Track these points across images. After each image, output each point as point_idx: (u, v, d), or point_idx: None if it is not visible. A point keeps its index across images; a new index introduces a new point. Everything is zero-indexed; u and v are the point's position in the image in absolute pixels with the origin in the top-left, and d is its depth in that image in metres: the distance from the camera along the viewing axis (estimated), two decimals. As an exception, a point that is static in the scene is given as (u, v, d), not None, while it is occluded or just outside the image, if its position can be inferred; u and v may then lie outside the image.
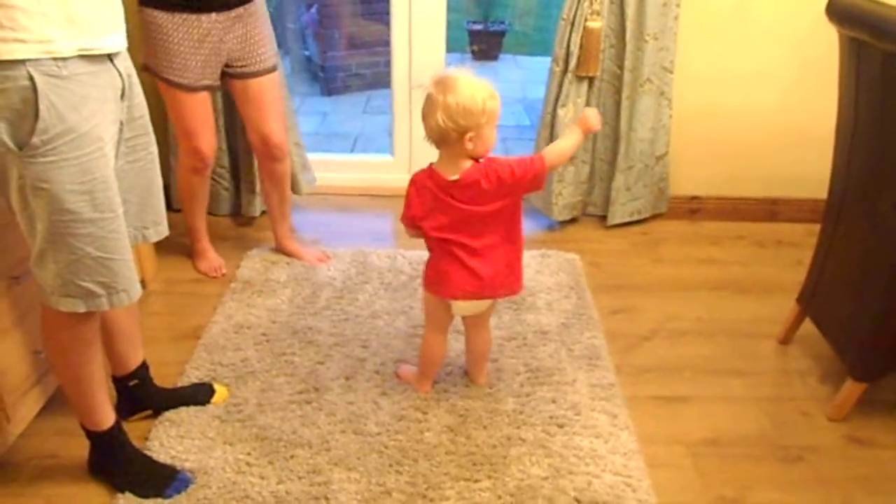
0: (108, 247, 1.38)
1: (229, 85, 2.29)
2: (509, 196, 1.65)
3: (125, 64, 1.43)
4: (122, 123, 1.43)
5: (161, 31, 2.08)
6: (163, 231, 1.64)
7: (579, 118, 1.73)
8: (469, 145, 1.58)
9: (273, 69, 2.29)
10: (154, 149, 1.56)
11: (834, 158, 1.94)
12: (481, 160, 1.64)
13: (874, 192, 1.75)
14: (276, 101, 2.33)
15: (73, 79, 1.27)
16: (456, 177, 1.63)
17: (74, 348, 1.50)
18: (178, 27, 2.07)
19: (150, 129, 1.55)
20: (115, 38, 1.36)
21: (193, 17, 2.07)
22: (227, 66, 2.21)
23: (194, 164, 2.31)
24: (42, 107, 1.23)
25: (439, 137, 1.60)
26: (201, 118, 2.23)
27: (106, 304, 1.42)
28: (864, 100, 1.75)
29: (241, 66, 2.22)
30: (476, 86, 1.57)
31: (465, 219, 1.67)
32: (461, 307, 1.79)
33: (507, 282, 1.76)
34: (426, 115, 1.59)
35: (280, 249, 2.61)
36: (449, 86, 1.56)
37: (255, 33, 2.21)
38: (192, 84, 2.16)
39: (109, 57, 1.36)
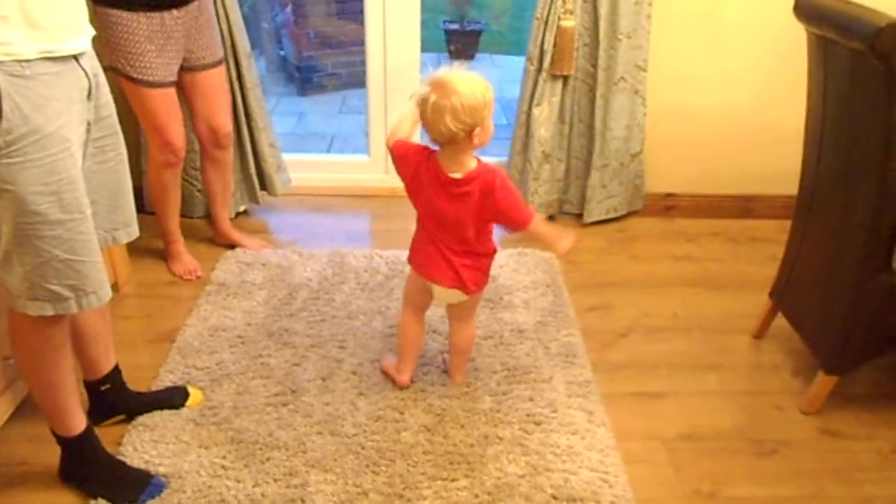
0: (76, 249, 1.35)
1: (179, 79, 2.27)
2: (488, 216, 1.69)
3: (91, 63, 1.41)
4: (89, 123, 1.41)
5: (124, 30, 2.07)
6: (133, 232, 1.62)
7: (559, 235, 1.75)
8: (476, 140, 1.61)
9: (221, 62, 2.35)
10: (123, 149, 1.54)
11: (804, 155, 1.96)
12: (488, 164, 1.68)
13: (843, 187, 1.78)
14: (225, 93, 2.42)
15: (37, 79, 1.25)
16: (459, 175, 1.65)
17: (44, 353, 1.47)
18: (141, 25, 2.07)
19: (119, 128, 1.53)
20: (78, 39, 1.34)
21: (156, 14, 2.09)
22: (188, 59, 2.25)
23: (167, 159, 2.30)
24: (5, 107, 1.21)
25: (449, 139, 1.61)
26: (170, 112, 2.24)
27: (75, 307, 1.40)
28: (831, 97, 1.78)
29: (194, 60, 2.26)
30: (473, 82, 1.58)
31: (450, 213, 1.69)
32: (440, 293, 1.81)
33: (480, 279, 1.81)
34: (433, 122, 1.58)
35: (222, 239, 2.63)
36: (449, 88, 1.56)
37: (206, 27, 2.26)
38: (160, 80, 2.16)
39: (75, 57, 1.34)
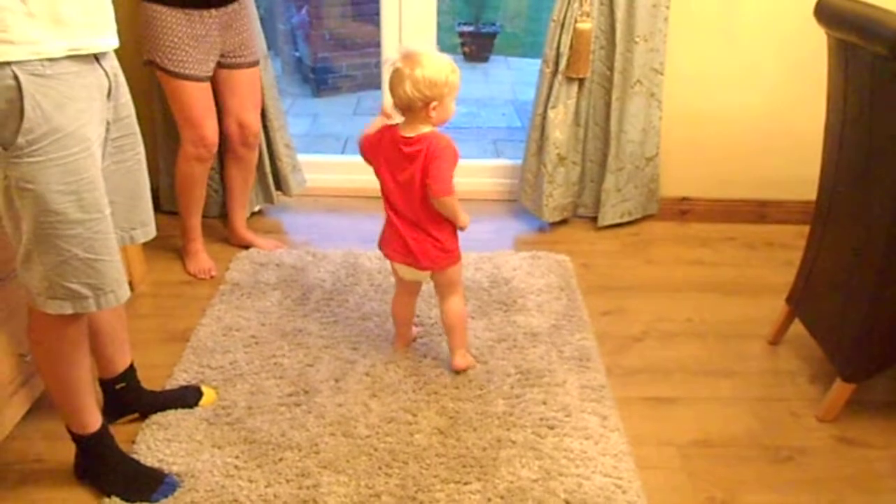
0: (96, 248, 1.36)
1: (214, 75, 2.31)
2: (422, 176, 1.76)
3: (111, 63, 1.42)
4: (108, 123, 1.42)
5: (165, 26, 2.14)
6: (150, 232, 1.63)
7: (462, 213, 1.83)
8: (433, 114, 1.72)
9: (257, 63, 2.41)
10: (141, 149, 1.55)
11: (822, 161, 1.94)
12: (438, 129, 1.78)
13: (862, 193, 1.76)
14: (257, 93, 2.46)
15: (58, 78, 1.26)
16: (411, 134, 1.76)
17: (61, 351, 1.48)
18: (182, 22, 2.15)
19: (137, 129, 1.53)
20: (104, 38, 1.35)
21: (195, 12, 2.16)
22: (226, 57, 2.31)
23: (199, 153, 2.33)
24: (27, 106, 1.22)
25: (406, 105, 1.73)
26: (206, 106, 2.29)
27: (93, 306, 1.40)
28: (852, 102, 1.76)
29: (232, 58, 2.32)
30: (440, 60, 1.71)
31: (404, 177, 1.77)
32: (402, 270, 1.91)
33: (436, 256, 1.85)
34: (394, 86, 1.71)
35: (236, 240, 2.65)
36: (416, 60, 1.69)
37: (246, 28, 2.32)
38: (197, 74, 2.22)
39: (96, 57, 1.35)
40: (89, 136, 1.32)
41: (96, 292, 1.39)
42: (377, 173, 1.85)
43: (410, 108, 1.73)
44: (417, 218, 1.82)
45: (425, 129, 1.76)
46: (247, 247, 2.61)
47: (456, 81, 1.73)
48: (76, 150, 1.29)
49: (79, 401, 1.55)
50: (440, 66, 1.70)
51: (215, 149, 2.36)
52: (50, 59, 1.24)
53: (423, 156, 1.75)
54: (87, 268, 1.36)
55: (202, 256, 2.50)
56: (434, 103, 1.71)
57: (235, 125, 2.42)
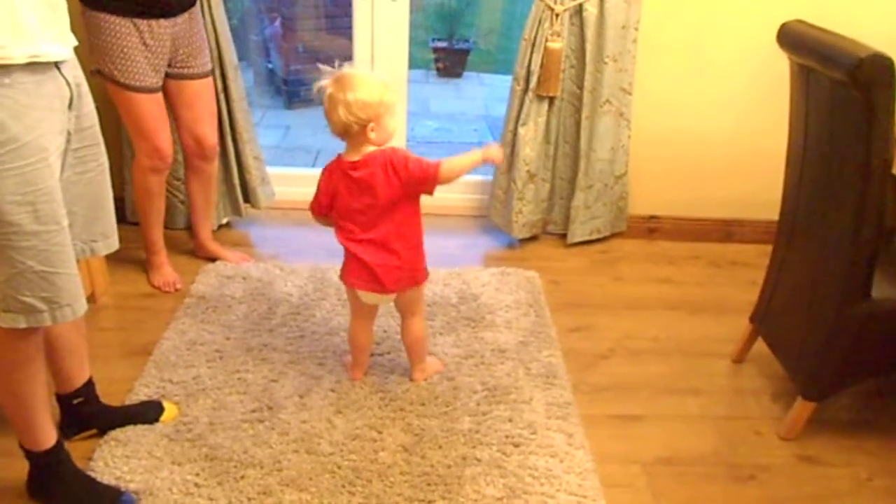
0: (52, 260, 1.33)
1: (165, 86, 2.27)
2: (400, 189, 1.74)
3: (74, 73, 1.39)
4: (69, 133, 1.39)
5: (113, 35, 2.08)
6: (113, 244, 1.60)
7: (485, 146, 1.83)
8: (372, 135, 1.70)
9: (209, 74, 2.36)
10: (104, 159, 1.53)
11: (785, 181, 1.98)
12: (384, 147, 1.75)
13: (822, 214, 1.79)
14: (211, 104, 2.41)
15: (16, 87, 1.23)
16: (357, 158, 1.74)
17: (15, 365, 1.44)
18: (131, 31, 2.09)
19: (101, 139, 1.51)
20: (62, 45, 1.33)
21: (144, 22, 2.10)
22: (168, 67, 2.24)
23: (154, 164, 2.29)
24: None
25: (343, 130, 1.71)
26: (159, 117, 2.24)
27: (48, 320, 1.37)
28: (813, 125, 1.80)
29: (181, 68, 2.27)
30: (372, 81, 1.69)
31: (362, 203, 1.75)
32: (365, 295, 1.87)
33: (402, 277, 1.83)
34: (329, 112, 1.69)
35: (202, 252, 2.61)
36: (347, 83, 1.67)
37: (196, 38, 2.28)
38: (148, 85, 2.17)
39: (56, 65, 1.32)
40: (47, 146, 1.29)
41: (51, 306, 1.36)
42: (334, 206, 1.80)
43: (348, 132, 1.70)
44: (385, 238, 1.78)
45: (369, 149, 1.73)
46: (213, 259, 2.58)
47: (391, 100, 1.70)
48: (33, 160, 1.27)
49: (33, 417, 1.51)
50: (372, 87, 1.67)
51: (170, 159, 2.32)
52: (8, 66, 1.21)
53: (380, 173, 1.72)
54: (42, 280, 1.33)
55: (166, 269, 2.46)
56: (371, 125, 1.68)
57: (191, 139, 2.38)
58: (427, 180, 1.74)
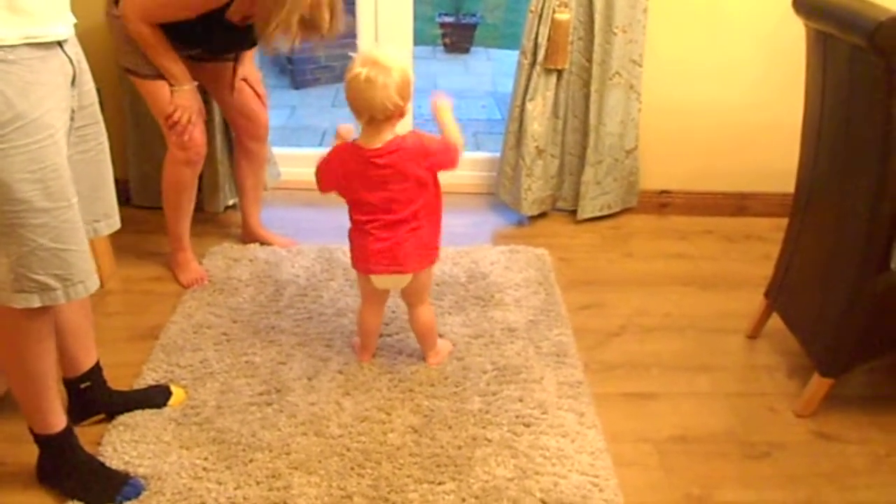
0: (63, 237, 1.33)
1: (202, 72, 2.21)
2: (428, 171, 1.73)
3: (75, 50, 1.38)
4: (73, 111, 1.37)
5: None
6: (114, 224, 1.59)
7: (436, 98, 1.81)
8: (399, 121, 1.69)
9: (252, 45, 2.27)
10: (104, 139, 1.51)
11: (801, 153, 1.93)
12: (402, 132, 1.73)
13: (840, 186, 1.74)
14: (257, 79, 2.34)
15: (21, 64, 1.22)
16: (379, 145, 1.69)
17: (27, 346, 1.43)
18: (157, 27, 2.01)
19: (101, 118, 1.50)
20: (61, 25, 1.31)
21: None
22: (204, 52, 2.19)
23: (188, 157, 2.20)
24: None
25: (384, 117, 1.65)
26: (195, 108, 2.15)
27: (62, 297, 1.37)
28: (830, 93, 1.74)
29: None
30: (401, 59, 1.66)
31: (388, 189, 1.71)
32: (379, 280, 1.84)
33: (422, 256, 1.82)
34: (366, 94, 1.62)
35: (251, 237, 2.56)
36: (382, 64, 1.62)
37: None
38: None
39: (59, 43, 1.31)
40: (54, 123, 1.28)
41: (65, 283, 1.35)
42: (349, 196, 1.77)
43: (388, 119, 1.66)
44: (410, 217, 1.75)
45: (389, 136, 1.69)
46: (262, 244, 2.53)
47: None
48: (40, 137, 1.26)
49: (43, 399, 1.50)
50: (404, 65, 1.64)
51: (204, 150, 2.23)
52: (9, 46, 1.20)
53: (411, 159, 1.69)
54: (54, 258, 1.32)
55: (193, 266, 2.36)
56: (406, 106, 1.67)
57: (242, 118, 2.33)
58: (452, 158, 1.75)
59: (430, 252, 1.84)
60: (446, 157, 1.74)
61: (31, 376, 1.47)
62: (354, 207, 1.79)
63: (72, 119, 1.38)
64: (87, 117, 1.44)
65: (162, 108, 2.13)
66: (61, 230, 1.32)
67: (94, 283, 1.41)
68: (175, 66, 2.08)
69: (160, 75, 2.09)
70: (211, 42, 2.13)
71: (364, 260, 1.82)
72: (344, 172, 1.75)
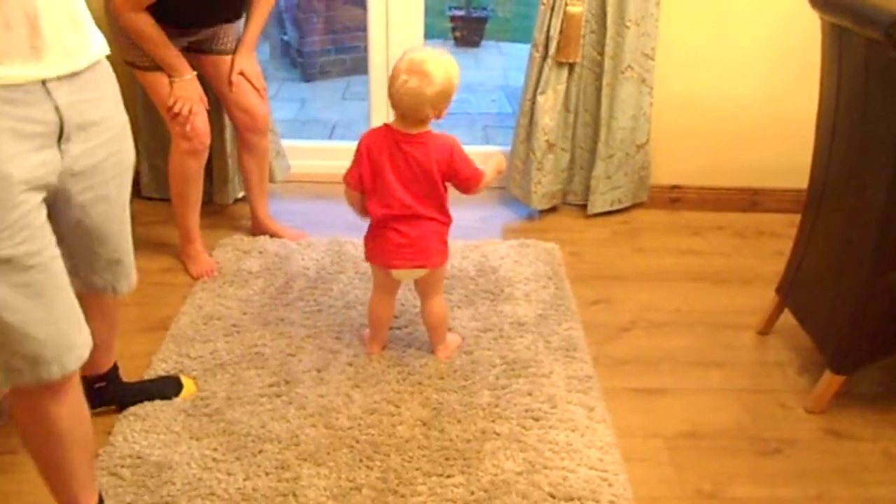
0: (24, 307, 1.11)
1: (202, 65, 2.23)
2: (444, 175, 1.77)
3: (70, 98, 1.15)
4: (62, 170, 1.18)
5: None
6: (131, 284, 1.45)
7: (494, 160, 1.88)
8: (435, 119, 1.74)
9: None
10: (127, 193, 1.35)
11: (815, 148, 1.91)
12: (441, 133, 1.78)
13: (854, 182, 1.73)
14: (256, 73, 2.34)
15: None
16: (414, 132, 1.73)
17: (40, 431, 1.25)
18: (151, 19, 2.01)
19: (126, 169, 1.33)
20: (42, 64, 1.10)
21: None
22: (201, 43, 2.20)
23: (192, 147, 2.20)
24: None
25: (421, 119, 1.72)
26: (195, 98, 2.16)
27: (29, 378, 1.16)
28: (845, 88, 1.72)
29: (214, 43, 2.22)
30: (448, 65, 1.69)
31: (408, 177, 1.74)
32: (399, 272, 1.85)
33: (440, 252, 1.84)
34: (407, 101, 1.68)
35: (260, 229, 2.56)
36: (426, 74, 1.65)
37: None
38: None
39: (44, 84, 1.11)
40: (11, 172, 1.08)
41: (32, 362, 1.14)
42: (372, 185, 1.77)
43: (424, 120, 1.72)
44: (430, 209, 1.78)
45: (425, 127, 1.74)
46: (272, 236, 2.53)
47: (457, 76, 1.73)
48: None
49: (70, 488, 1.34)
50: (450, 74, 1.69)
51: (208, 140, 2.23)
52: None
53: (433, 152, 1.73)
54: (12, 333, 1.11)
55: (203, 258, 2.37)
56: (444, 108, 1.72)
57: (240, 112, 2.33)
58: (471, 184, 1.79)
59: (445, 246, 1.86)
60: (467, 182, 1.79)
61: (53, 464, 1.30)
62: (376, 199, 1.78)
63: (68, 176, 1.19)
64: (98, 173, 1.24)
65: (163, 100, 2.13)
66: (24, 298, 1.11)
67: (72, 360, 1.19)
68: (172, 56, 2.08)
69: (159, 67, 2.09)
70: (199, 13, 2.11)
71: (384, 254, 1.83)
72: (376, 151, 1.75)
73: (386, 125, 1.77)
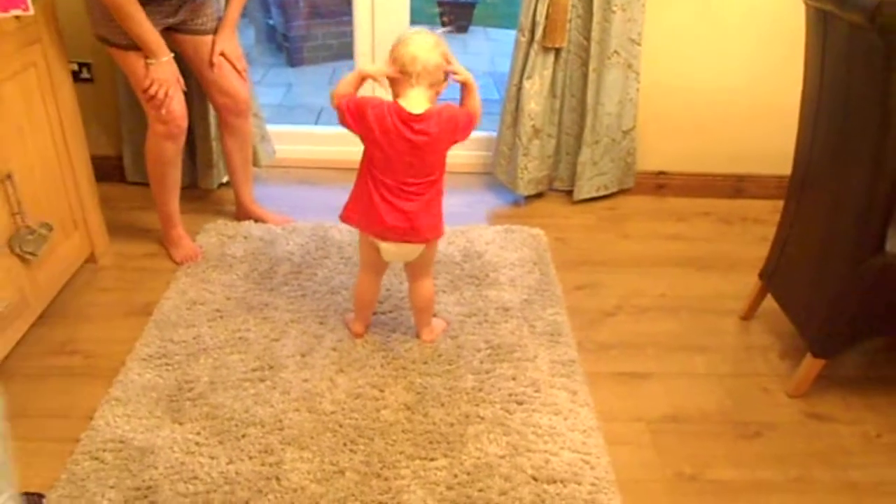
0: None
1: (181, 46, 2.20)
2: (452, 143, 1.75)
3: None
4: None
5: None
6: None
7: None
8: (445, 86, 1.75)
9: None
10: None
11: (798, 134, 1.92)
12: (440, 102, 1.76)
13: (836, 167, 1.74)
14: (237, 55, 2.29)
15: None
16: (420, 111, 1.69)
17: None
18: None
19: None
20: None
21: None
22: (180, 23, 2.16)
23: (169, 130, 2.15)
24: None
25: (434, 80, 1.71)
26: (172, 81, 2.11)
27: None
28: (829, 73, 1.73)
29: (193, 23, 2.18)
30: (439, 39, 1.74)
31: (410, 156, 1.70)
32: (388, 251, 1.81)
33: (436, 225, 1.81)
34: (427, 59, 1.68)
35: (244, 214, 2.54)
36: (433, 35, 1.72)
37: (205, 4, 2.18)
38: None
39: None
40: None
41: None
42: (374, 151, 1.73)
43: (438, 81, 1.71)
44: (429, 186, 1.75)
45: (429, 104, 1.71)
46: (256, 221, 2.52)
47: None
48: None
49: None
50: (441, 44, 1.72)
51: (185, 123, 2.18)
52: None
53: (444, 129, 1.71)
54: None
55: (186, 242, 2.35)
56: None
57: (221, 95, 2.29)
58: (470, 131, 1.77)
59: (439, 221, 1.83)
60: (468, 130, 1.76)
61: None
62: (375, 164, 1.74)
63: None
64: None
65: (139, 80, 2.09)
66: None
67: None
68: (151, 36, 2.02)
69: (135, 46, 2.03)
70: None
71: (377, 224, 1.77)
72: (381, 129, 1.70)
73: (395, 103, 1.71)
